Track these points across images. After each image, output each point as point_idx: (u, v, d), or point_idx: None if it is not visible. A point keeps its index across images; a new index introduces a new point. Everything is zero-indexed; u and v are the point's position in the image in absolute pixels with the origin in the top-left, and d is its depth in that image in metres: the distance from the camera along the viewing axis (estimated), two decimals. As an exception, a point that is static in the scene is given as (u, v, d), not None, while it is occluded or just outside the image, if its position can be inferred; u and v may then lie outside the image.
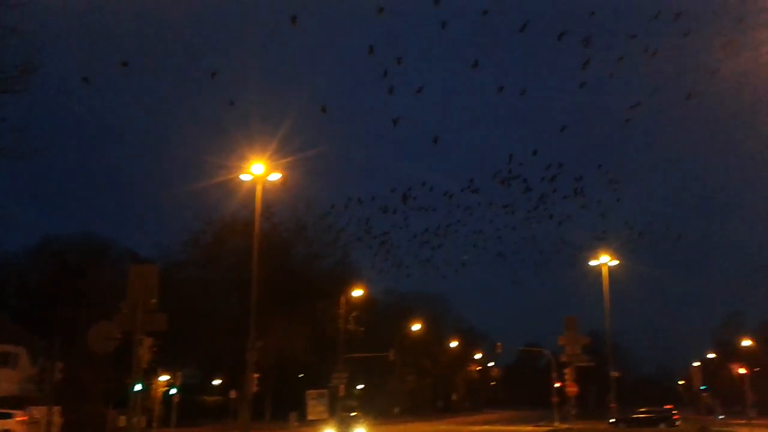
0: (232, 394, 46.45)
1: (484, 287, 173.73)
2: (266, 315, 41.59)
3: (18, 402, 37.77)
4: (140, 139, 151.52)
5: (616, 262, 44.53)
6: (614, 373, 46.27)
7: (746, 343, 76.20)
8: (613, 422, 48.72)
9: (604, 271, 44.37)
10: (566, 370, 39.88)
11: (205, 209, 48.70)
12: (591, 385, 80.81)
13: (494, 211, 34.22)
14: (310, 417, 44.07)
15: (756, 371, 75.76)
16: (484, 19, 18.79)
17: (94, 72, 22.31)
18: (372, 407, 66.77)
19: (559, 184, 29.93)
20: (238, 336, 35.97)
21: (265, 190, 31.22)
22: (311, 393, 45.11)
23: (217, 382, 58.96)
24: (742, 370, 68.26)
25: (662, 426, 49.05)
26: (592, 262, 45.13)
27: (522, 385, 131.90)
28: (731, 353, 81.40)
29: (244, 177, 29.91)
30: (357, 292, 51.51)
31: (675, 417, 50.63)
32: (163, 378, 41.34)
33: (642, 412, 52.26)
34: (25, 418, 33.87)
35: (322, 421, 41.16)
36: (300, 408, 46.48)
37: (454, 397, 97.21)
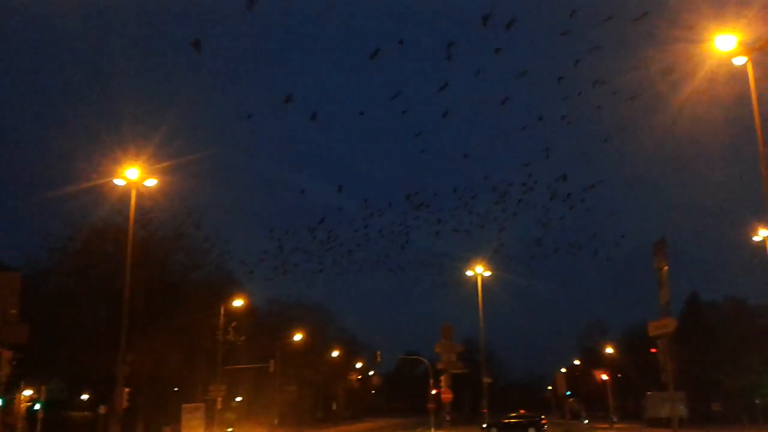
0: (102, 409, 44.55)
1: (367, 297, 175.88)
2: (139, 326, 40.25)
3: None
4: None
5: (489, 273, 46.65)
6: (487, 380, 48.14)
7: (609, 350, 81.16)
8: (485, 427, 50.61)
9: (479, 282, 46.33)
10: (442, 377, 41.16)
11: (76, 215, 46.40)
12: (466, 392, 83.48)
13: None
14: (184, 431, 43.04)
15: (618, 377, 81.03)
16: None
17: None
18: (251, 419, 65.96)
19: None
20: (109, 349, 34.59)
21: (141, 196, 30.34)
22: (187, 407, 44.03)
23: (85, 396, 56.31)
24: (604, 377, 72.88)
25: (531, 430, 51.49)
26: (468, 272, 47.10)
27: (401, 393, 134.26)
28: (595, 360, 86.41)
29: (118, 182, 28.89)
30: (237, 302, 50.80)
31: (543, 422, 53.25)
32: (27, 393, 39.18)
33: (513, 417, 54.59)
34: None
35: None
36: (175, 422, 45.21)
37: (334, 406, 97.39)
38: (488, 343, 63.52)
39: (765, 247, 30.89)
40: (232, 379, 55.80)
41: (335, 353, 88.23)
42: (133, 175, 28.37)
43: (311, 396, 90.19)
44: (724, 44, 19.55)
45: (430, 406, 52.07)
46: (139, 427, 50.69)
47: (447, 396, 41.08)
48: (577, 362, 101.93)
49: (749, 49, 19.51)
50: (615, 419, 66.85)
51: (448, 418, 45.20)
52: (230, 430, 53.93)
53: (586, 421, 72.46)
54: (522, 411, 60.22)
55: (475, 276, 46.56)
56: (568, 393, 70.91)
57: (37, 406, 39.61)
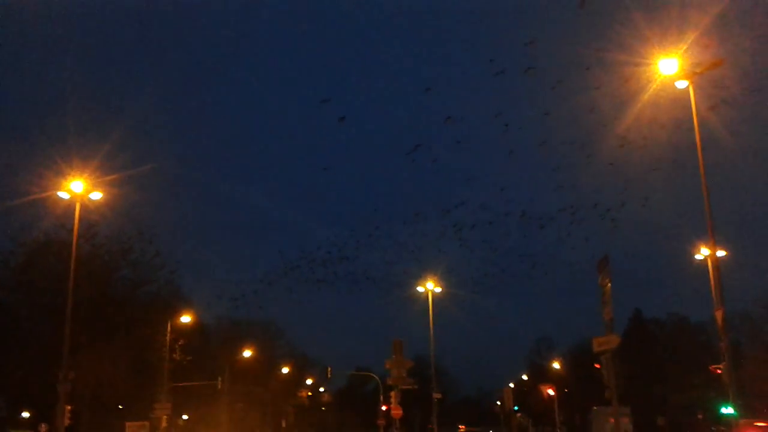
0: (42, 428, 43.15)
1: (317, 313, 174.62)
2: (83, 343, 39.21)
3: None
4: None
5: (440, 290, 46.94)
6: (437, 395, 48.27)
7: (556, 366, 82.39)
8: (434, 443, 50.71)
9: (430, 298, 46.55)
10: (392, 393, 41.07)
11: (18, 229, 44.98)
12: (416, 408, 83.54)
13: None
14: (127, 450, 42.06)
15: (565, 392, 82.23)
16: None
17: None
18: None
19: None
20: (50, 365, 33.60)
21: (87, 210, 29.68)
22: (131, 425, 43.13)
23: (26, 414, 54.45)
24: (551, 392, 73.96)
25: None
26: (419, 288, 47.30)
27: (352, 409, 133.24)
28: (543, 375, 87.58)
29: (62, 194, 28.22)
30: (185, 318, 49.91)
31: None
32: (-37, 411, 37.75)
33: None
34: None
35: None
36: (118, 441, 44.12)
37: (283, 424, 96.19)
38: (439, 358, 63.78)
39: (707, 265, 31.85)
40: (179, 397, 54.69)
41: (285, 370, 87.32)
42: (78, 188, 27.76)
43: (260, 413, 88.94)
44: (667, 68, 20.27)
45: (380, 422, 51.94)
46: (81, 446, 49.21)
47: (397, 412, 40.98)
48: (525, 377, 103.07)
49: (690, 73, 20.26)
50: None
51: (398, 435, 45.03)
52: None
53: None
54: (462, 427, 60.52)
55: (426, 292, 46.78)
56: (516, 408, 71.70)
57: (-27, 425, 38.18)
